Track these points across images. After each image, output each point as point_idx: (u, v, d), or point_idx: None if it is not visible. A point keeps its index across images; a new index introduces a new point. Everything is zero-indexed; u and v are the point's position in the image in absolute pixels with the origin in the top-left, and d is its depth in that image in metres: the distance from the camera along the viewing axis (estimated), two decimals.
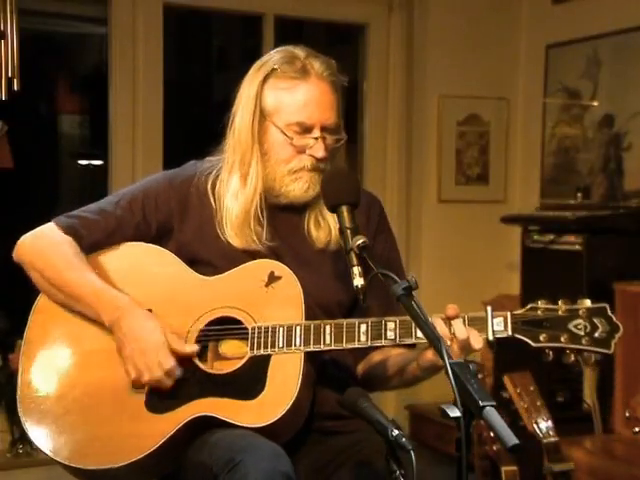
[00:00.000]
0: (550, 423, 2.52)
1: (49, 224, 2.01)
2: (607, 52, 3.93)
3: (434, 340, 1.50)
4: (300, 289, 1.85)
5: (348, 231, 1.74)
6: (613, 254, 3.50)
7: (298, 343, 1.81)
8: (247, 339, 1.85)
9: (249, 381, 1.82)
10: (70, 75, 4.96)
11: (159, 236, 2.00)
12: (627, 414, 3.04)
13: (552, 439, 2.52)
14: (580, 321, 1.76)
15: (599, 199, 3.90)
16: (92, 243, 1.98)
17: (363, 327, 1.81)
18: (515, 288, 4.02)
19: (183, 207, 1.99)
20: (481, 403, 1.37)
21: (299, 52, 1.93)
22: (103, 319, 1.89)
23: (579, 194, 3.81)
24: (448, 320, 1.74)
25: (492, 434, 2.54)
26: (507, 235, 4.16)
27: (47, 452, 1.86)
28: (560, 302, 1.79)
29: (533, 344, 1.76)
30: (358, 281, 1.69)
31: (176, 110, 4.20)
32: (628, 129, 3.84)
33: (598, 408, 3.53)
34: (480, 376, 2.65)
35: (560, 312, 1.77)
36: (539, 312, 1.78)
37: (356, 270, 1.70)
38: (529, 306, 1.80)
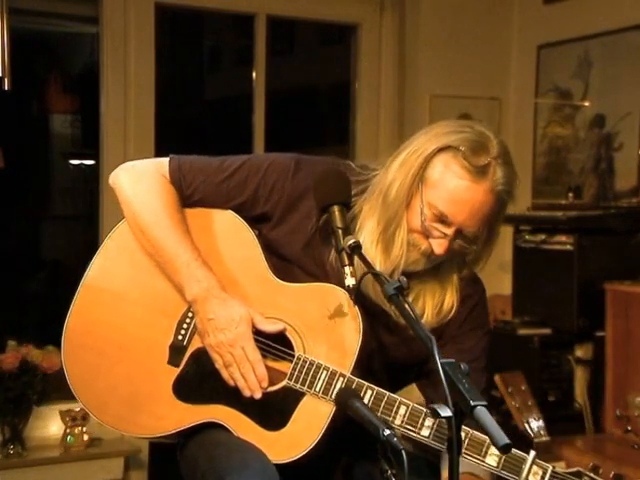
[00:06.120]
0: (541, 422, 2.53)
1: (159, 161, 1.92)
2: (598, 52, 3.93)
3: (425, 340, 1.50)
4: (360, 337, 1.78)
5: (339, 231, 1.73)
6: (604, 254, 3.51)
7: (335, 395, 1.77)
8: (290, 362, 1.82)
9: (275, 410, 1.80)
10: (61, 74, 4.94)
11: (256, 219, 1.93)
12: (618, 413, 3.05)
13: (543, 438, 2.53)
14: None
15: (590, 199, 3.90)
16: (191, 203, 1.92)
17: (402, 409, 1.76)
18: (507, 288, 4.03)
19: (290, 206, 1.89)
20: (472, 402, 1.37)
21: (493, 147, 1.77)
22: (185, 292, 1.84)
23: (570, 194, 3.82)
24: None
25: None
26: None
27: (72, 389, 1.89)
28: (611, 474, 1.71)
29: None
30: (349, 281, 1.68)
31: (168, 110, 4.19)
32: (619, 129, 3.84)
33: (589, 407, 3.54)
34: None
35: None
36: None
37: (347, 270, 1.69)
38: (575, 469, 1.70)
